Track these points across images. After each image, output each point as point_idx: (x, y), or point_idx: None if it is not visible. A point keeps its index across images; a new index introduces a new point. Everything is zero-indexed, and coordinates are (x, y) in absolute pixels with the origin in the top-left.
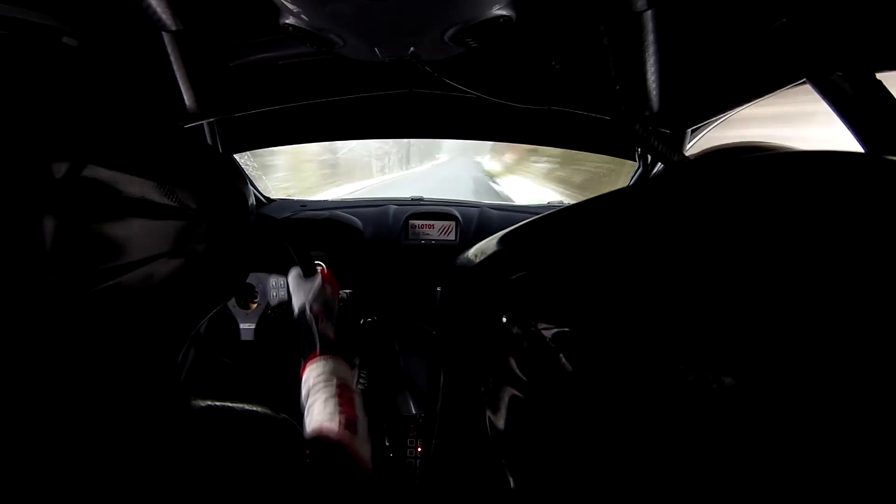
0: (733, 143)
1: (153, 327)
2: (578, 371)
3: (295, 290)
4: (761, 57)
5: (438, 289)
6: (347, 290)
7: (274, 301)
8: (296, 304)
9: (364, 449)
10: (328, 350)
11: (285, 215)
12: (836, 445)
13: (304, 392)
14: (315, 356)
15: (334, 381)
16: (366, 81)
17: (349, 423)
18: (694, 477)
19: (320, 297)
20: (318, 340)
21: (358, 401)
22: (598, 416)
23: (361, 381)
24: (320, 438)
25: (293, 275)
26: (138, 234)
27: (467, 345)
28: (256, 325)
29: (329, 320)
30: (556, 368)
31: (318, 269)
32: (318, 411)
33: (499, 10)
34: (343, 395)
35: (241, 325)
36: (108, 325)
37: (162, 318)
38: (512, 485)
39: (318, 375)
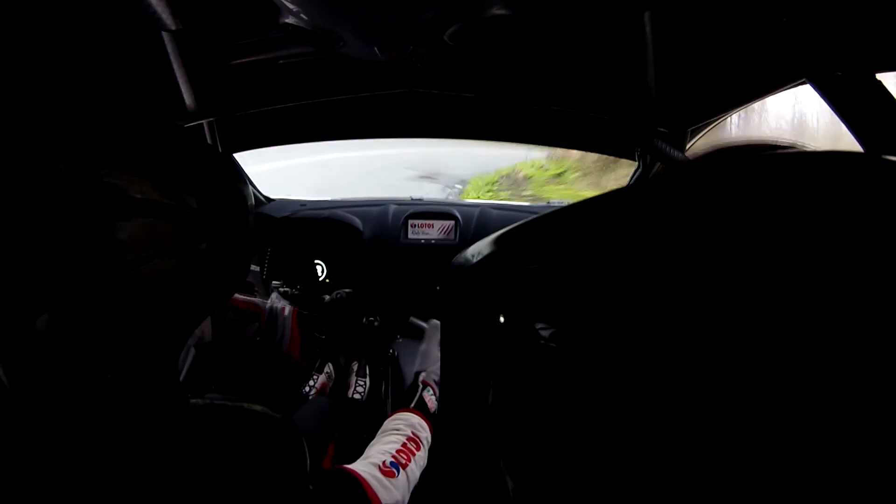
0: (737, 142)
1: (153, 326)
2: (577, 372)
3: (423, 352)
4: (761, 57)
5: (438, 288)
6: (347, 290)
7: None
8: (418, 364)
9: (390, 495)
10: (421, 411)
11: (284, 214)
12: (840, 447)
13: (379, 431)
14: (406, 410)
15: (410, 432)
16: (365, 81)
17: (394, 465)
18: (696, 478)
19: (435, 373)
20: (415, 401)
21: (421, 459)
22: (598, 417)
23: (358, 387)
24: (347, 470)
25: (432, 334)
26: (138, 234)
27: (466, 344)
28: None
29: (436, 392)
30: (554, 369)
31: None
32: (375, 448)
33: (499, 10)
34: (408, 446)
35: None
36: (107, 324)
37: (162, 318)
38: (511, 486)
39: (398, 423)
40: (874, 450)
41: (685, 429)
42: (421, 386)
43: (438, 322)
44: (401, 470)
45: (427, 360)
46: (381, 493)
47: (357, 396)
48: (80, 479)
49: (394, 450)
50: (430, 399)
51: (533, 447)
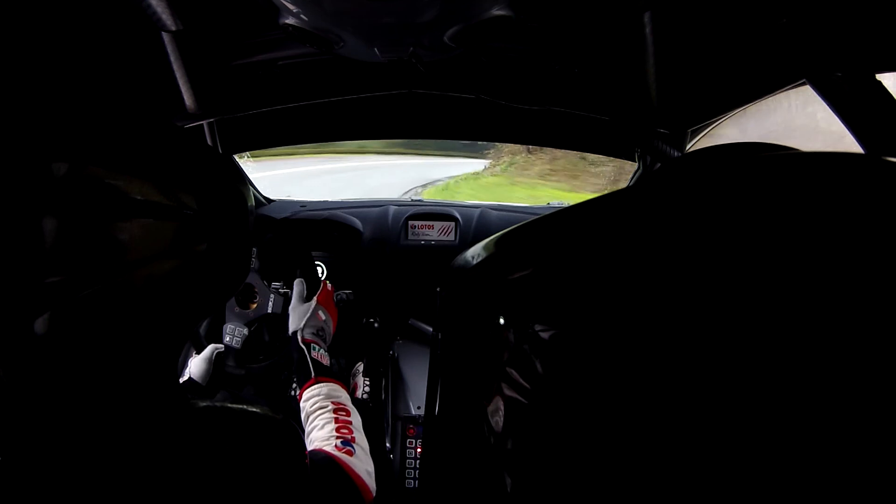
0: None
1: (153, 327)
2: (576, 373)
3: (291, 311)
4: (761, 57)
5: (438, 289)
6: (348, 291)
7: (269, 310)
8: (291, 326)
9: (361, 467)
10: (323, 374)
11: (285, 216)
12: (840, 449)
13: (303, 417)
14: (311, 382)
15: (330, 404)
16: (365, 82)
17: (345, 443)
18: (695, 478)
19: (312, 324)
20: (311, 367)
21: (356, 421)
22: (596, 419)
23: (366, 387)
24: (316, 457)
25: (294, 294)
26: (139, 235)
27: (465, 346)
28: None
29: (322, 346)
30: (553, 370)
31: (320, 286)
32: (316, 434)
33: (499, 11)
34: (339, 418)
35: (232, 324)
36: (108, 324)
37: (162, 318)
38: (509, 487)
39: (315, 401)
40: (874, 449)
41: (684, 428)
42: (305, 348)
43: (301, 279)
44: (353, 444)
45: (297, 318)
46: (356, 465)
47: (364, 396)
48: (81, 478)
49: (333, 430)
50: (321, 355)
51: (532, 447)
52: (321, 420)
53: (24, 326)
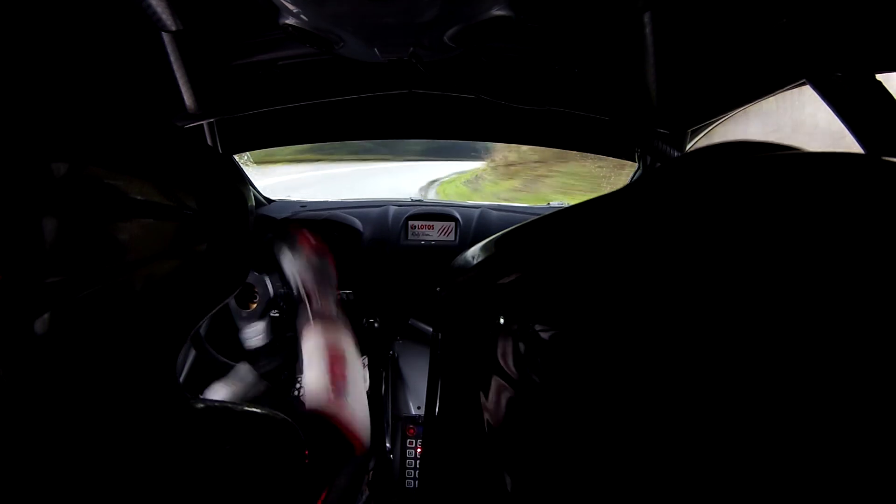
0: (735, 141)
1: (153, 327)
2: (575, 373)
3: (285, 268)
4: (761, 57)
5: (438, 289)
6: (348, 291)
7: (272, 294)
8: (290, 281)
9: (352, 417)
10: (322, 317)
11: (285, 216)
12: (839, 446)
13: (303, 361)
14: (308, 326)
15: (327, 352)
16: (366, 82)
17: (338, 395)
18: (696, 481)
19: (308, 271)
20: (310, 314)
21: (352, 372)
22: (594, 419)
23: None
24: (305, 409)
25: (281, 259)
26: (138, 235)
27: (465, 346)
28: (265, 330)
29: (324, 292)
30: (552, 370)
31: (298, 236)
32: (310, 384)
33: (499, 11)
34: (335, 367)
35: (246, 329)
36: (108, 324)
37: (162, 318)
38: (509, 486)
39: (311, 346)
40: (874, 449)
41: (682, 427)
42: (307, 299)
43: (283, 243)
44: (345, 396)
45: (290, 271)
46: (347, 417)
47: (368, 392)
48: (81, 478)
49: (328, 382)
50: (324, 300)
51: (532, 447)
52: (315, 370)
53: (24, 326)
